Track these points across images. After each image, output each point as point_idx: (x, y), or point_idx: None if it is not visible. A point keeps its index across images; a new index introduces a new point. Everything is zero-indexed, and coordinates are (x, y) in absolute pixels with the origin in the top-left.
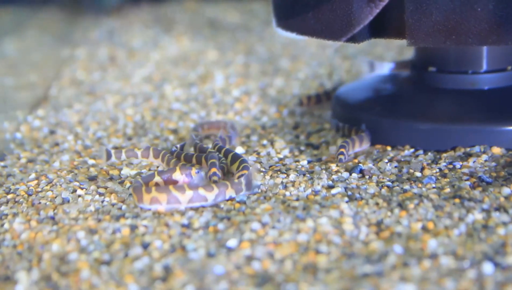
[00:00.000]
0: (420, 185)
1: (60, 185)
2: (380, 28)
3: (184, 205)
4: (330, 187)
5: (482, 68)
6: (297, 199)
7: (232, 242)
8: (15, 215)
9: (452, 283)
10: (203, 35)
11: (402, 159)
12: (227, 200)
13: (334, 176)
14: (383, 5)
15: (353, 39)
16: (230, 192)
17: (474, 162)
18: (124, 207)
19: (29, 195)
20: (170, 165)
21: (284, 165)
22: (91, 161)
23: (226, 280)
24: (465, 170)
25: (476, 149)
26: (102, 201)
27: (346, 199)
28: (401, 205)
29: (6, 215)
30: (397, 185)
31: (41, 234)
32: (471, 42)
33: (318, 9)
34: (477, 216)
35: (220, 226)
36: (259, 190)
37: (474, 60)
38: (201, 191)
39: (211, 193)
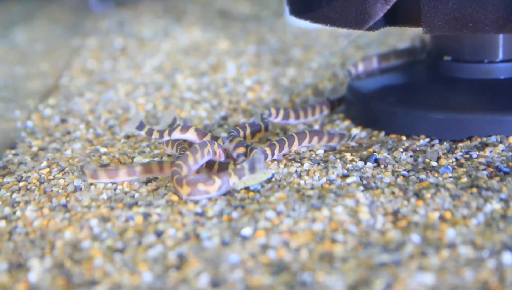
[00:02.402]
0: (436, 175)
1: (72, 173)
2: (395, 16)
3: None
4: (345, 176)
5: (498, 57)
6: (312, 188)
7: (246, 231)
8: (27, 202)
9: (472, 273)
10: (214, 25)
11: (418, 149)
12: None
13: (349, 165)
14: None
15: (368, 27)
16: (234, 179)
17: (490, 151)
18: (137, 195)
19: (41, 183)
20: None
21: (298, 154)
22: (103, 149)
23: (241, 269)
24: (482, 160)
25: (493, 139)
26: (115, 189)
27: (361, 188)
28: (418, 195)
29: (18, 202)
30: (413, 175)
31: (53, 221)
32: (488, 30)
33: None
34: (495, 205)
35: (234, 214)
36: (270, 174)
37: (490, 49)
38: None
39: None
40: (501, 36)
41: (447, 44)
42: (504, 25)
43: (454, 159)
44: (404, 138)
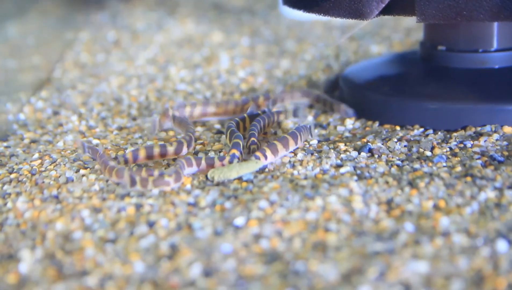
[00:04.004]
0: (430, 164)
1: (64, 164)
2: (389, 5)
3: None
4: (339, 166)
5: (492, 47)
6: (305, 178)
7: (239, 221)
8: (18, 194)
9: (465, 261)
10: (208, 17)
11: (412, 139)
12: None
13: (342, 155)
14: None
15: (361, 16)
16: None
17: (485, 141)
18: None
19: (33, 174)
20: None
21: None
22: (95, 141)
23: (234, 258)
24: (476, 149)
25: (487, 128)
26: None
27: (355, 177)
28: (412, 184)
29: (9, 194)
30: (407, 164)
31: (44, 213)
32: (483, 18)
33: None
34: (489, 194)
35: (227, 204)
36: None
37: (485, 38)
38: None
39: None
40: (495, 25)
41: (441, 33)
42: (499, 13)
43: (448, 149)
44: (398, 128)
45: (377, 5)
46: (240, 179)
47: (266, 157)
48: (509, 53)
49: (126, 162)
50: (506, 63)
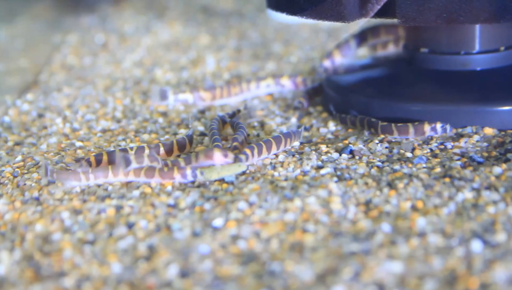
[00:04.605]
0: (410, 165)
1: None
2: None
3: None
4: (320, 167)
5: (474, 49)
6: (286, 179)
7: (218, 222)
8: None
9: (440, 261)
10: (196, 21)
11: (393, 140)
12: None
13: (323, 157)
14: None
15: (343, 19)
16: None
17: (465, 142)
18: (110, 188)
19: (15, 176)
20: None
21: None
22: (78, 143)
23: (211, 259)
24: (457, 150)
25: (468, 129)
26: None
27: (335, 179)
28: (391, 185)
29: None
30: (387, 165)
31: (25, 214)
32: (463, 21)
33: None
34: (467, 195)
35: (207, 206)
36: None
37: (467, 40)
38: None
39: None
40: (477, 27)
41: (424, 35)
42: (478, 16)
43: (429, 150)
44: None
45: (359, 8)
46: (221, 180)
47: (248, 158)
48: (490, 55)
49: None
50: (488, 65)
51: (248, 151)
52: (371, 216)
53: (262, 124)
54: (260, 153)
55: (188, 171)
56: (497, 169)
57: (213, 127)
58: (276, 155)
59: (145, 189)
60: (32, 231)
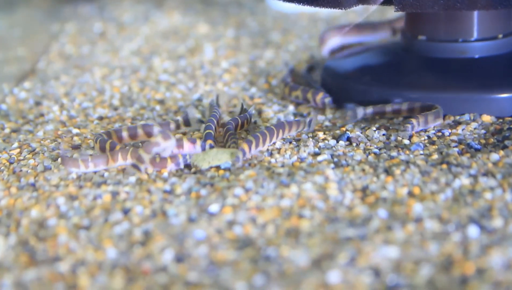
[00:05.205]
0: (407, 152)
1: (43, 153)
2: None
3: None
4: (316, 154)
5: (472, 37)
6: (282, 166)
7: (214, 207)
8: None
9: (436, 246)
10: (195, 10)
11: (391, 127)
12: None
13: (321, 144)
14: None
15: (339, 5)
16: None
17: (463, 129)
18: (106, 174)
19: (11, 163)
20: None
21: None
22: (75, 130)
23: (206, 244)
24: (454, 137)
25: (466, 117)
26: None
27: (332, 165)
28: (388, 171)
29: None
30: (384, 152)
31: (20, 200)
32: (460, 7)
33: None
34: (464, 181)
35: (203, 192)
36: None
37: (465, 28)
38: None
39: None
40: (475, 14)
41: (422, 23)
42: (476, 2)
43: (426, 137)
44: (377, 117)
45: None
46: (218, 167)
47: (249, 150)
48: (489, 43)
49: None
50: (486, 52)
51: (245, 146)
52: (368, 202)
53: (259, 112)
54: (257, 145)
55: (181, 159)
56: (494, 156)
57: (213, 115)
58: (273, 143)
59: (141, 176)
60: (28, 217)
